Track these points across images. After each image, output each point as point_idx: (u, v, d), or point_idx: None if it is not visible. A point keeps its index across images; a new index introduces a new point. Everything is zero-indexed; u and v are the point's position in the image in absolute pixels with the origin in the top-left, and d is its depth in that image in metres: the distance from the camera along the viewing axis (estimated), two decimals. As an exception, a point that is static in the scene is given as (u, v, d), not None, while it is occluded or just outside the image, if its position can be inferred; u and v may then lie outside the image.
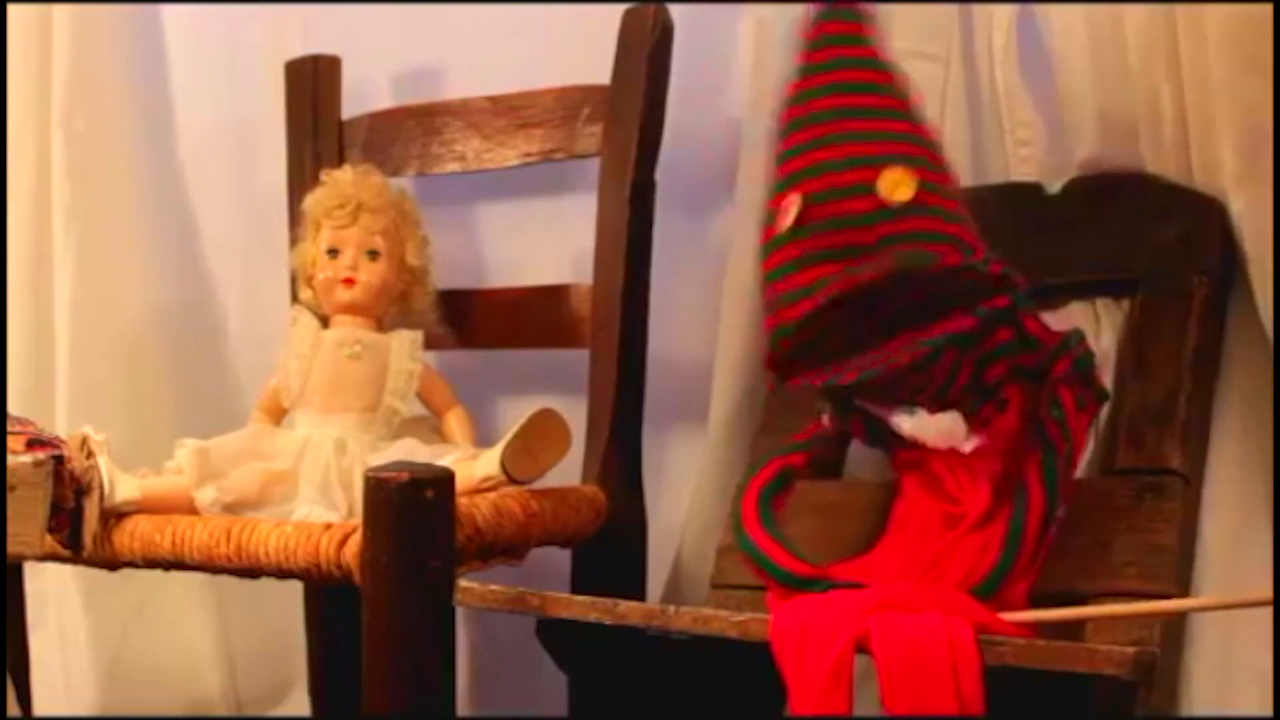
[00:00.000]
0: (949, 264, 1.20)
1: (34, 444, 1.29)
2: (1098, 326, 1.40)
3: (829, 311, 1.22)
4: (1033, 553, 1.21)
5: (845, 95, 1.25)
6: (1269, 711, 1.29)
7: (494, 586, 1.26)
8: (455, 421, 1.63)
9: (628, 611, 1.17)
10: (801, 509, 1.37)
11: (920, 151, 1.25)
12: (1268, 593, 1.11)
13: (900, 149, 1.24)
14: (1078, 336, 1.28)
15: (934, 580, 1.22)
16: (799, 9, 1.53)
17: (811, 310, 1.22)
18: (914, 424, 1.26)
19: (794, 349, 1.25)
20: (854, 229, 1.22)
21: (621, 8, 1.62)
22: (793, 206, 1.23)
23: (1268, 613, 1.27)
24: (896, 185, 1.21)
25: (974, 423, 1.25)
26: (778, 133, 1.28)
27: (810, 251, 1.23)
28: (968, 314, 1.21)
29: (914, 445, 1.28)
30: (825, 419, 1.34)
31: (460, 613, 1.30)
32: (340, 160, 1.79)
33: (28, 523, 1.22)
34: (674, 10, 1.60)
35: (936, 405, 1.26)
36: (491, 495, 1.41)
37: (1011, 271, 1.24)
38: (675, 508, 1.65)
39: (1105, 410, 1.36)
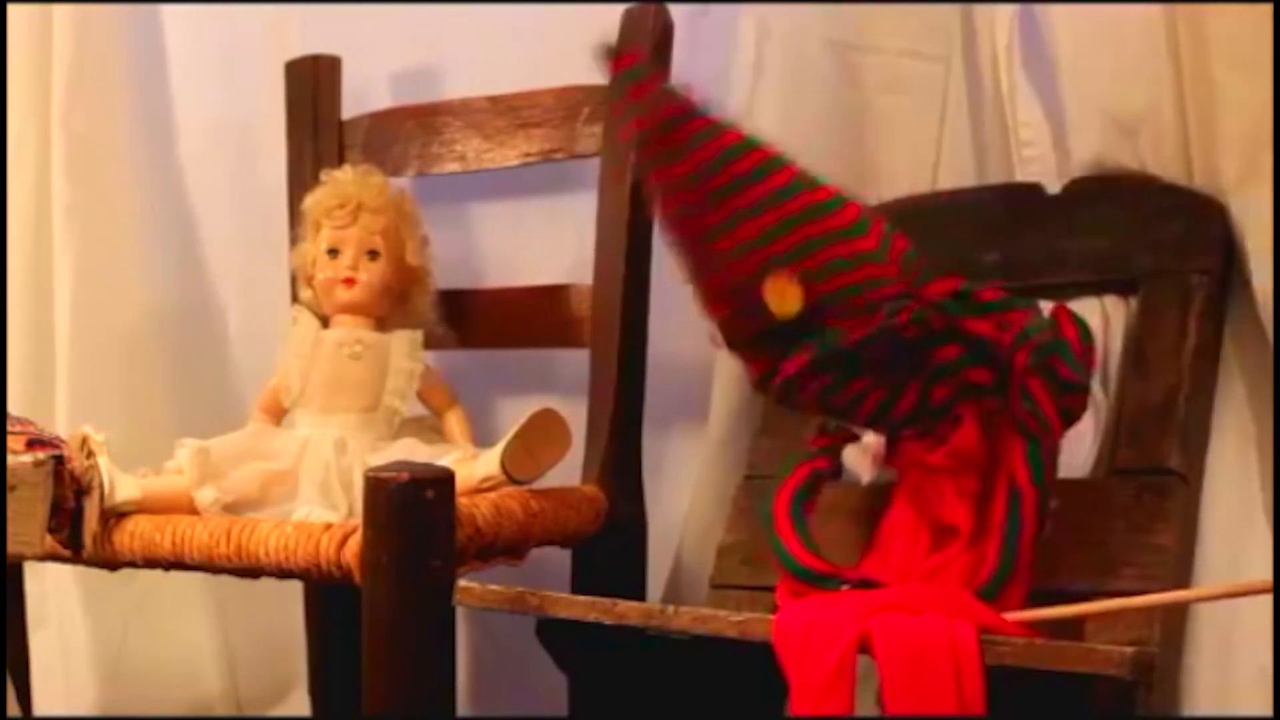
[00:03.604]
0: (856, 337, 1.21)
1: (34, 444, 1.29)
2: (1106, 324, 1.40)
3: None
4: (1031, 549, 1.21)
5: (705, 213, 1.21)
6: (1269, 711, 1.29)
7: (494, 586, 1.26)
8: (455, 421, 1.63)
9: (628, 611, 1.17)
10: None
11: (795, 237, 1.21)
12: (1268, 580, 1.11)
13: (776, 249, 1.20)
14: (1036, 326, 1.24)
15: (932, 589, 1.22)
16: (799, 9, 1.55)
17: (779, 385, 1.24)
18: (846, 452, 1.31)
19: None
20: (773, 338, 1.22)
21: (621, 8, 1.62)
22: (716, 334, 1.26)
23: (1267, 612, 1.28)
24: (783, 299, 1.20)
25: (930, 441, 1.25)
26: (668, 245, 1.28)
27: (754, 355, 1.26)
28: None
29: (894, 456, 1.29)
30: (831, 426, 1.35)
31: (460, 613, 1.30)
32: (340, 160, 1.79)
33: (28, 523, 1.22)
34: (674, 10, 1.60)
35: (879, 426, 1.27)
36: (491, 495, 1.41)
37: (932, 306, 1.23)
38: (675, 508, 1.65)
39: (1106, 410, 1.36)
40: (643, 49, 1.43)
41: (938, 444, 1.25)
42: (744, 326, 1.23)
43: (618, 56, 1.25)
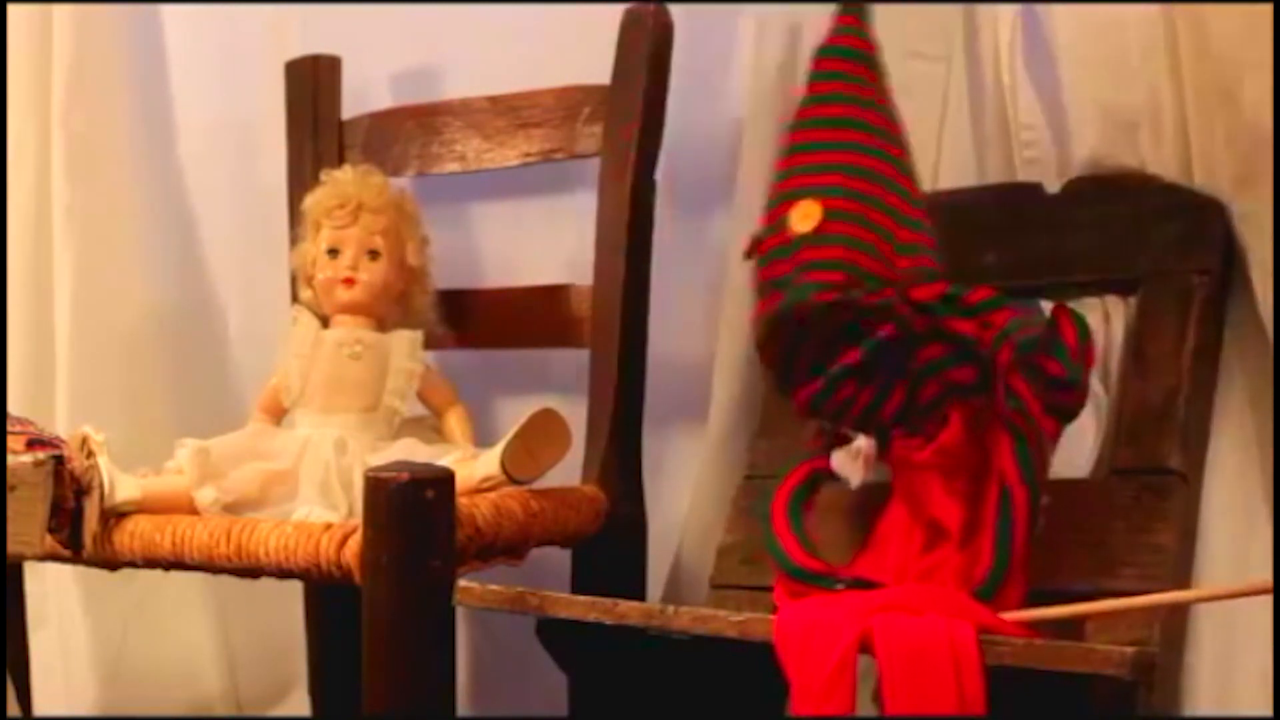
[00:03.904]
0: (823, 299, 1.24)
1: (34, 444, 1.29)
2: (1106, 324, 1.40)
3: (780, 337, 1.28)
4: (1025, 547, 1.21)
5: (809, 130, 1.31)
6: (1269, 711, 1.29)
7: (494, 586, 1.26)
8: (455, 421, 1.63)
9: (628, 611, 1.17)
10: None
11: (849, 183, 1.28)
12: (1268, 580, 1.11)
13: (826, 180, 1.28)
14: (1017, 324, 1.25)
15: (928, 590, 1.22)
16: (799, 9, 1.55)
17: (757, 341, 1.30)
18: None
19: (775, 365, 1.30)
20: (778, 261, 1.28)
21: (621, 8, 1.62)
22: (748, 241, 1.32)
23: (1268, 613, 1.28)
24: (803, 217, 1.27)
25: (918, 439, 1.26)
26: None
27: (761, 282, 1.30)
28: (857, 345, 1.24)
29: (886, 456, 1.30)
30: (825, 426, 1.35)
31: (460, 613, 1.30)
32: (340, 160, 1.79)
33: (28, 523, 1.22)
34: (674, 10, 1.60)
35: (867, 428, 1.28)
36: (491, 495, 1.41)
37: (913, 307, 1.25)
38: (675, 508, 1.65)
39: (1105, 410, 1.36)
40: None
41: (926, 442, 1.25)
42: (767, 239, 1.29)
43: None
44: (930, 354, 1.24)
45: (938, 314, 1.24)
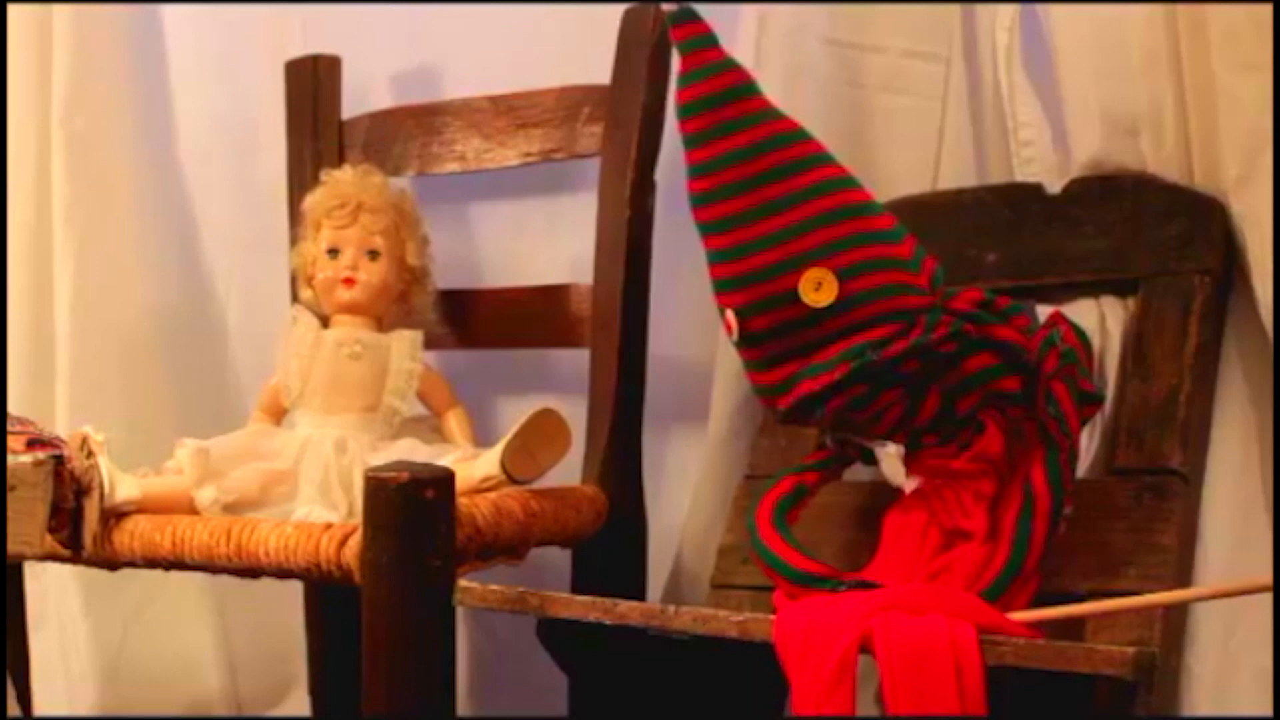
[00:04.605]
0: (892, 353, 1.19)
1: (34, 444, 1.29)
2: (1103, 325, 1.40)
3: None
4: (1041, 554, 1.21)
5: (748, 193, 1.20)
6: (1269, 711, 1.29)
7: (494, 586, 1.26)
8: (455, 421, 1.63)
9: (628, 611, 1.17)
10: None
11: (835, 231, 1.20)
12: (1268, 580, 1.11)
13: (814, 240, 1.19)
14: (1059, 333, 1.26)
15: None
16: (800, 9, 1.55)
17: (792, 403, 1.22)
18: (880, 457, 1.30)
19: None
20: (797, 332, 1.21)
21: (621, 8, 1.62)
22: (732, 322, 1.22)
23: (1268, 613, 1.28)
24: (818, 288, 1.19)
25: (952, 447, 1.25)
26: (696, 225, 1.24)
27: (768, 355, 1.23)
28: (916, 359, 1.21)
29: (914, 464, 1.29)
30: (829, 442, 1.35)
31: (460, 613, 1.30)
32: (340, 160, 1.79)
33: (28, 523, 1.22)
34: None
35: (900, 436, 1.27)
36: (491, 495, 1.41)
37: (965, 318, 1.22)
38: (675, 508, 1.65)
39: (1105, 410, 1.36)
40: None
41: (961, 450, 1.24)
42: (764, 316, 1.21)
43: (683, 22, 1.23)
44: (980, 363, 1.23)
45: (984, 322, 1.23)
